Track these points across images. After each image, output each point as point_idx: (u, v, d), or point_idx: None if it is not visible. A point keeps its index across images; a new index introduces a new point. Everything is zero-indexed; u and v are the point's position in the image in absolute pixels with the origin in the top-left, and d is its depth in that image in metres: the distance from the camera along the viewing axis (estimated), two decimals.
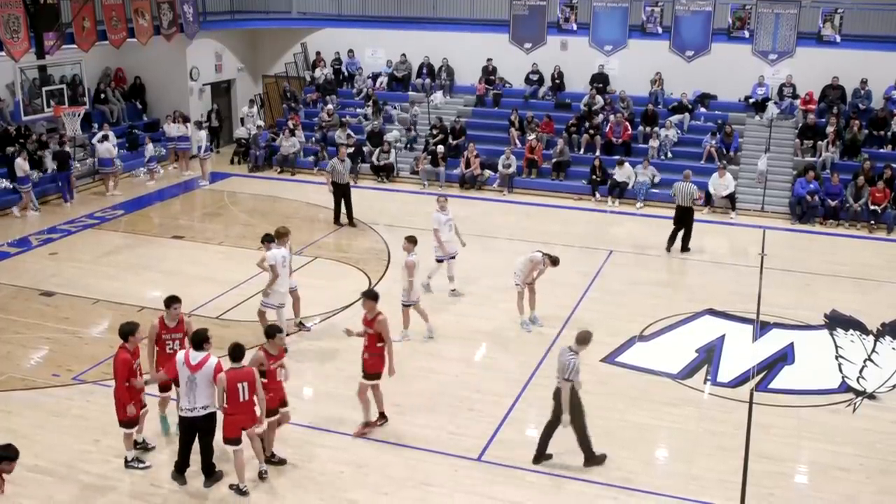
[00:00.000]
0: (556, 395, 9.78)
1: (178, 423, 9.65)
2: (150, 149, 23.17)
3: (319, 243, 18.22)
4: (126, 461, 9.94)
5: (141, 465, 9.90)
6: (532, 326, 13.94)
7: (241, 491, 9.42)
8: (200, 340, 9.27)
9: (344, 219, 19.40)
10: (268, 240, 12.91)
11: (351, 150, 23.79)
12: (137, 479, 9.68)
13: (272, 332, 9.87)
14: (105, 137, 22.05)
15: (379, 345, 10.40)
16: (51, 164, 20.92)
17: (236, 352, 9.24)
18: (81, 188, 22.01)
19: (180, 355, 9.32)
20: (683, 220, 17.78)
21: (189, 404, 9.18)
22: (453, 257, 15.27)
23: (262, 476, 9.65)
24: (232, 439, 9.29)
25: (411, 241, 13.19)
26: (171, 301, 10.15)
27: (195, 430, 9.35)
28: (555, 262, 13.82)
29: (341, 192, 19.34)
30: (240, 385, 9.09)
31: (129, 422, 9.74)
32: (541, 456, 10.07)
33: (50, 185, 21.27)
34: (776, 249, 18.46)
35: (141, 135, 24.33)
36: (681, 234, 17.82)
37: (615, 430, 10.93)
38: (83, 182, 22.30)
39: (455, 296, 15.23)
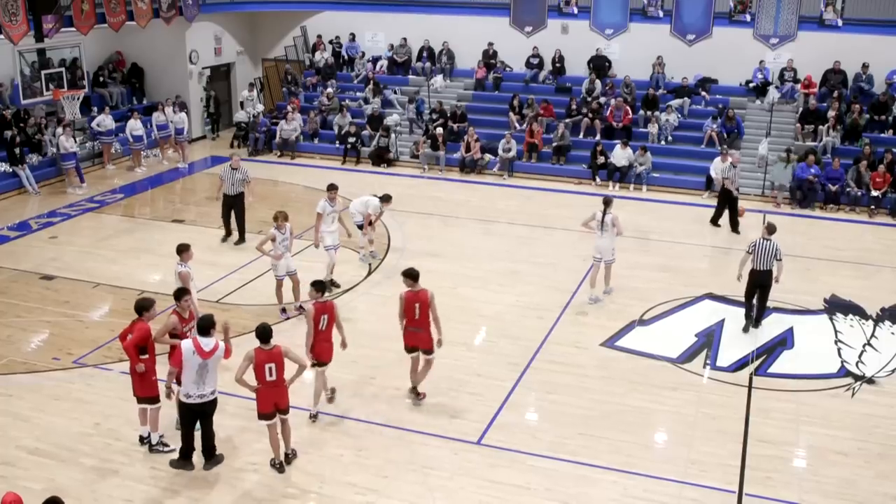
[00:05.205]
0: (757, 274, 13.22)
1: (179, 411, 9.54)
2: (130, 124, 22.88)
3: None
4: (151, 445, 9.84)
5: (166, 449, 9.77)
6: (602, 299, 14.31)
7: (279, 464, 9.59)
8: (208, 325, 9.16)
9: (235, 235, 17.04)
10: None
11: (353, 139, 23.74)
12: (138, 463, 9.71)
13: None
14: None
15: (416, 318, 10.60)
16: (67, 146, 20.72)
17: (264, 333, 9.25)
18: (85, 170, 21.95)
19: (188, 343, 9.11)
20: (728, 198, 18.57)
21: (198, 390, 9.08)
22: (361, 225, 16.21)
23: (282, 461, 9.71)
24: (265, 413, 9.37)
25: (184, 249, 11.60)
26: (182, 293, 10.04)
27: (201, 415, 9.30)
28: (607, 202, 14.08)
29: (229, 205, 16.81)
30: (267, 367, 9.19)
31: (151, 398, 9.66)
32: (750, 316, 13.38)
33: (49, 168, 21.25)
34: (776, 234, 18.37)
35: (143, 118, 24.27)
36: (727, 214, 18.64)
37: (615, 414, 10.96)
38: (84, 164, 22.19)
39: (372, 256, 16.27)
